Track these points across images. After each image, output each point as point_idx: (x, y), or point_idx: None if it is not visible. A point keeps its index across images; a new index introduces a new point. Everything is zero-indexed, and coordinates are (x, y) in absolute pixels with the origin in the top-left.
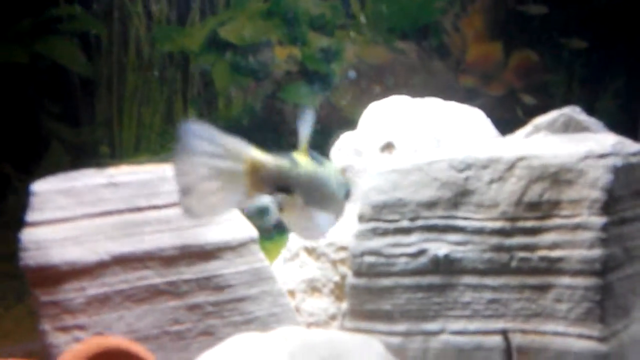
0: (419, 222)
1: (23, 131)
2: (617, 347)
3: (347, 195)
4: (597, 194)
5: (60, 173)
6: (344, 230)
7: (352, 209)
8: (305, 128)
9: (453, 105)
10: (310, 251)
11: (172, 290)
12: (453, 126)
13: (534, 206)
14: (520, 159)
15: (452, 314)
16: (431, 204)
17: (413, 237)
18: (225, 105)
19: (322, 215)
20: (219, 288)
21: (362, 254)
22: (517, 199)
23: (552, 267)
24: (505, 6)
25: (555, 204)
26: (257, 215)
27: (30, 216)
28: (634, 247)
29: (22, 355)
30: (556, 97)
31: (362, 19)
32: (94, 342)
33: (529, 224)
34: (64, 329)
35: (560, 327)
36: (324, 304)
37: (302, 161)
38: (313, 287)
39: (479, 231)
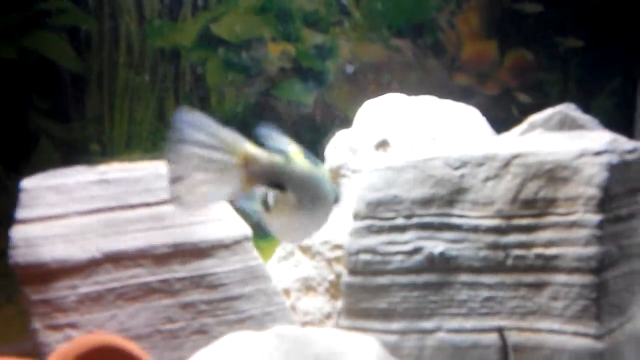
0: (414, 220)
1: (12, 128)
2: (612, 345)
3: (335, 199)
4: (592, 192)
5: (50, 170)
6: (338, 228)
7: (347, 206)
8: (281, 142)
9: (448, 103)
10: (305, 250)
11: (165, 289)
12: (448, 124)
13: (529, 204)
14: (516, 156)
15: (448, 312)
16: (426, 202)
17: (408, 235)
18: (218, 101)
19: (313, 215)
20: (213, 286)
21: (357, 252)
22: (512, 196)
23: (547, 264)
24: (501, 4)
25: (551, 202)
26: (249, 204)
27: (20, 213)
28: (629, 245)
29: (13, 355)
30: (552, 95)
31: (357, 15)
32: (84, 340)
33: (525, 221)
34: (56, 328)
35: (556, 325)
36: (319, 302)
37: (297, 158)
38: (308, 286)
39: (475, 229)
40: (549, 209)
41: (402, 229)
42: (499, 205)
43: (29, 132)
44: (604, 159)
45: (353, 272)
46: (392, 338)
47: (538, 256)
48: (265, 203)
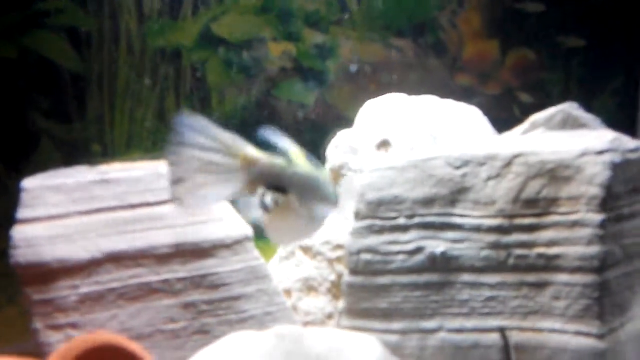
0: (416, 220)
1: (12, 128)
2: (614, 345)
3: (335, 202)
4: (595, 191)
5: (51, 170)
6: (340, 228)
7: (348, 206)
8: (282, 144)
9: (450, 103)
10: (306, 250)
11: (166, 289)
12: (450, 124)
13: (531, 203)
14: (518, 155)
15: (450, 312)
16: (428, 202)
17: (410, 235)
18: (219, 102)
19: (314, 217)
20: (214, 286)
21: (359, 252)
22: (514, 196)
23: (549, 264)
24: (502, 4)
25: (553, 201)
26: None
27: (21, 213)
28: (631, 245)
29: (15, 355)
30: (554, 95)
31: (358, 15)
32: (85, 339)
33: (527, 221)
34: (57, 328)
35: (558, 325)
36: (320, 303)
37: (298, 161)
38: (309, 286)
39: (477, 229)
40: (551, 208)
41: (403, 228)
42: (500, 204)
43: (29, 132)
44: (607, 158)
45: (354, 272)
46: (394, 338)
47: (540, 256)
48: (264, 206)
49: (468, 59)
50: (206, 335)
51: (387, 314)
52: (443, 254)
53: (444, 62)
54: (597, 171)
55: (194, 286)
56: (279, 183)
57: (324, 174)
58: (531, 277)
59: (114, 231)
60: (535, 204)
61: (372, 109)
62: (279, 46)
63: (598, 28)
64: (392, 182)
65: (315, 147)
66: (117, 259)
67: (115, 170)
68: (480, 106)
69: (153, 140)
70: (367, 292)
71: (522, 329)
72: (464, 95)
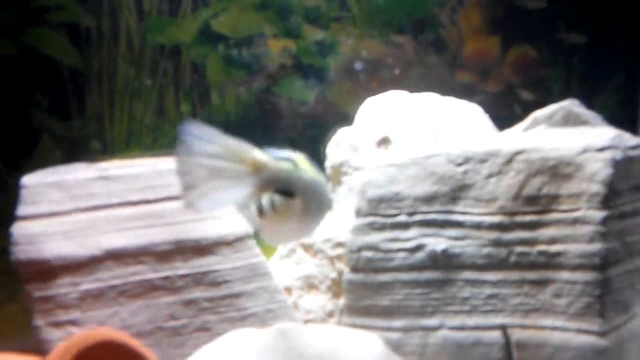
0: (417, 217)
1: (12, 125)
2: (616, 342)
3: (332, 205)
4: (596, 188)
5: (51, 167)
6: (340, 225)
7: (349, 204)
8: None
9: (450, 100)
10: (307, 248)
11: (167, 286)
12: (450, 121)
13: (532, 200)
14: (519, 152)
15: (451, 310)
16: (429, 199)
17: (411, 232)
18: (218, 98)
19: (315, 219)
20: (215, 283)
21: (359, 249)
22: (515, 193)
23: (551, 261)
24: (503, 0)
25: (554, 198)
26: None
27: (21, 210)
28: (633, 242)
29: (16, 352)
30: (554, 92)
31: (358, 12)
32: (85, 336)
33: (528, 218)
34: (58, 325)
35: (559, 322)
36: (321, 300)
37: (303, 165)
38: (310, 284)
39: (477, 226)
40: (552, 205)
41: (404, 226)
42: (501, 201)
43: (29, 129)
44: (608, 154)
45: (355, 269)
46: (395, 335)
47: (541, 253)
48: (261, 208)
49: (468, 55)
50: (207, 332)
51: (388, 312)
52: (444, 251)
53: (444, 59)
54: (598, 168)
55: (195, 283)
56: (286, 187)
57: (324, 177)
58: (532, 275)
59: (114, 228)
60: (536, 200)
61: (372, 106)
62: (279, 43)
63: (599, 25)
64: (392, 179)
65: (315, 145)
66: (117, 256)
67: (115, 167)
68: (481, 103)
69: (153, 137)
70: (368, 289)
71: (523, 327)
72: (465, 92)
